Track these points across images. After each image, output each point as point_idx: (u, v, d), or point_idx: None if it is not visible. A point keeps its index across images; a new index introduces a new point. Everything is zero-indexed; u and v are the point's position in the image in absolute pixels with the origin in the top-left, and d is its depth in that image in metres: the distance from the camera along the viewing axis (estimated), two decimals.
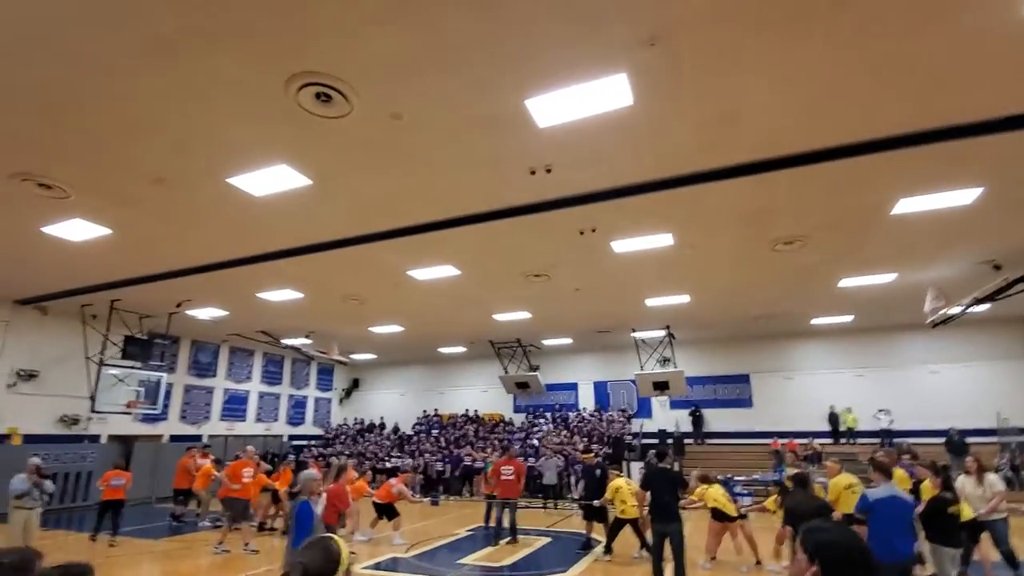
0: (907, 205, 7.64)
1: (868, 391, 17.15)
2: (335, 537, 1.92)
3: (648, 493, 6.59)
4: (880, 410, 16.60)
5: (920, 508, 5.45)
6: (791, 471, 10.48)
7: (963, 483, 6.66)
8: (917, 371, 16.83)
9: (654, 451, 7.54)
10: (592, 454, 10.89)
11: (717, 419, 18.81)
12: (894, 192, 7.33)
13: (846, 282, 11.69)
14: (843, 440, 16.85)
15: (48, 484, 8.05)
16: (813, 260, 10.14)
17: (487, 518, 10.50)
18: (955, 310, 11.30)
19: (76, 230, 8.38)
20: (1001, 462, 13.89)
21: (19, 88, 5.03)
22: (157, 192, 7.18)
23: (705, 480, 8.22)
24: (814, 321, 16.06)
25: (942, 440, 14.94)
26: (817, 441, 16.42)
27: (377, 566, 7.92)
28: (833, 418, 17.18)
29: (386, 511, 9.70)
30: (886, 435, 16.29)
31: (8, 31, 4.33)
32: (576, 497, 13.09)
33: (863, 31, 4.38)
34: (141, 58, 4.63)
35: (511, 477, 9.37)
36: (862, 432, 16.79)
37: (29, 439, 13.38)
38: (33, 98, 5.17)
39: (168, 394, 16.09)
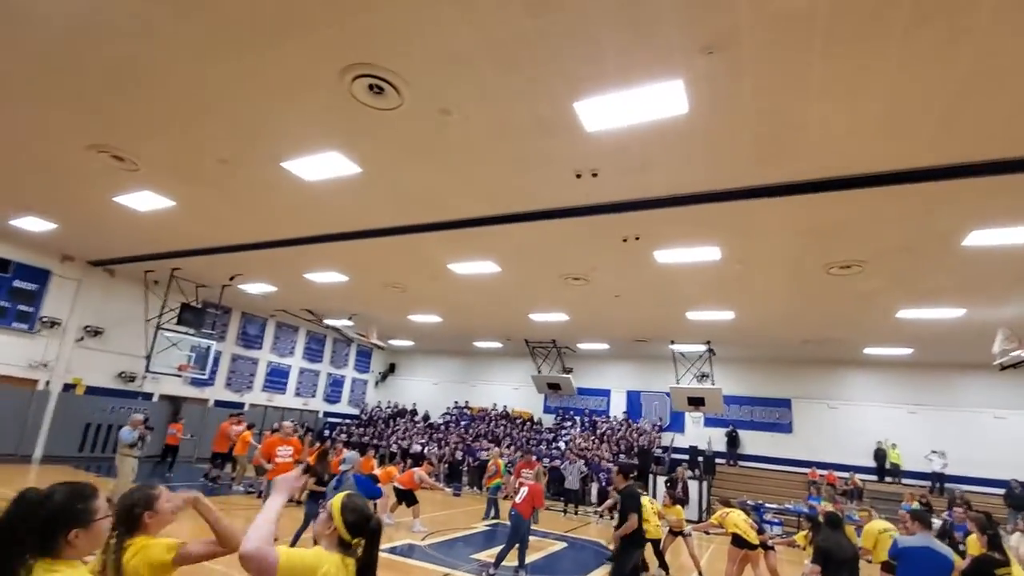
0: (980, 237, 7.08)
1: (921, 430, 16.10)
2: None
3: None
4: (933, 451, 15.54)
5: (963, 565, 5.04)
6: (827, 506, 9.98)
7: (1018, 542, 6.13)
8: (979, 414, 15.65)
9: (436, 453, 7.30)
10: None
11: (753, 442, 18.13)
12: (966, 222, 6.81)
13: (906, 313, 10.98)
14: (888, 479, 15.90)
15: (148, 437, 9.51)
16: (871, 287, 9.58)
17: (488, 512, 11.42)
18: None
19: (144, 201, 8.90)
20: None
21: (101, 64, 5.35)
22: (219, 171, 7.52)
23: (726, 504, 7.93)
24: (867, 350, 15.20)
25: (1001, 491, 13.85)
26: (859, 476, 15.56)
27: (392, 550, 8.07)
28: (879, 454, 16.24)
29: (406, 497, 9.88)
30: (937, 479, 15.26)
31: (95, 9, 4.61)
32: (597, 507, 12.96)
33: (946, 48, 4.06)
34: (214, 44, 4.85)
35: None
36: (910, 472, 15.80)
37: (90, 390, 14.41)
38: (113, 74, 5.50)
39: (216, 361, 16.95)
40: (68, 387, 14.00)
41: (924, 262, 8.23)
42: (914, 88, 4.52)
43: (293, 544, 6.91)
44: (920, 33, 3.95)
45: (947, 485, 14.89)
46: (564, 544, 9.98)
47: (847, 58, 4.26)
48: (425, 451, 17.83)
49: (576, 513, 14.01)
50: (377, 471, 10.65)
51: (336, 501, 2.09)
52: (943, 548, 4.41)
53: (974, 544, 5.68)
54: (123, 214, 9.59)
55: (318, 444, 12.40)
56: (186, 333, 14.42)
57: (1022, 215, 6.48)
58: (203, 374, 15.36)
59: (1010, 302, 9.65)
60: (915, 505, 10.22)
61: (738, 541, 7.44)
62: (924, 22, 3.85)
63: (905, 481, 15.63)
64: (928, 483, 15.27)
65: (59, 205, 9.88)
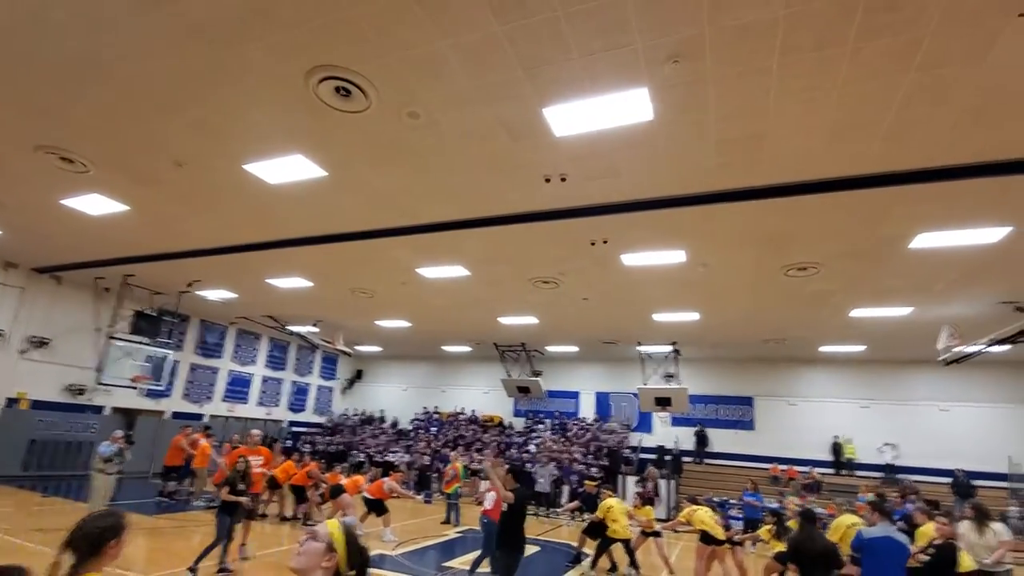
0: (926, 240, 7.48)
1: (874, 423, 16.84)
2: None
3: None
4: (885, 443, 16.29)
5: (920, 552, 5.28)
6: (793, 500, 10.33)
7: (966, 529, 6.46)
8: (927, 408, 16.48)
9: (407, 460, 7.33)
10: (595, 483, 11.09)
11: (718, 439, 18.58)
12: (914, 226, 7.18)
13: (858, 312, 11.48)
14: (844, 472, 16.56)
15: (128, 452, 9.08)
16: (826, 288, 9.99)
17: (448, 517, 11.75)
18: (971, 349, 11.05)
19: (94, 204, 8.50)
20: (1011, 509, 13.48)
21: (49, 60, 5.09)
22: (175, 173, 7.24)
23: (693, 501, 8.12)
24: (823, 348, 15.81)
25: (948, 480, 14.61)
26: (817, 470, 16.15)
27: None
28: (836, 448, 16.90)
29: (375, 507, 9.71)
30: (889, 470, 15.98)
31: (45, 4, 4.38)
32: (565, 507, 13.13)
33: (895, 61, 4.29)
34: (171, 40, 4.68)
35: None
36: (864, 465, 16.50)
37: (36, 405, 13.60)
38: (62, 71, 5.24)
39: (173, 371, 16.26)
40: (11, 402, 13.17)
41: (875, 263, 8.63)
42: (864, 98, 4.74)
43: (197, 562, 6.33)
44: (868, 47, 4.15)
45: (898, 476, 15.60)
46: (536, 548, 9.98)
47: (802, 70, 4.44)
48: (396, 460, 17.57)
49: (548, 516, 14.05)
50: (344, 480, 10.43)
51: (337, 532, 1.93)
52: (901, 536, 4.62)
53: (925, 534, 5.95)
54: (72, 218, 9.12)
55: (283, 458, 12.01)
56: (140, 342, 13.76)
57: (963, 219, 6.88)
58: (159, 385, 14.68)
59: (952, 301, 10.21)
60: (870, 496, 10.65)
61: (706, 538, 7.62)
62: (873, 37, 4.05)
63: (859, 473, 16.30)
64: (881, 474, 15.97)
65: (1, 209, 9.31)
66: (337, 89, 5.10)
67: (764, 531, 7.64)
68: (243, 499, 6.75)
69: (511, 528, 5.23)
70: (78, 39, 4.74)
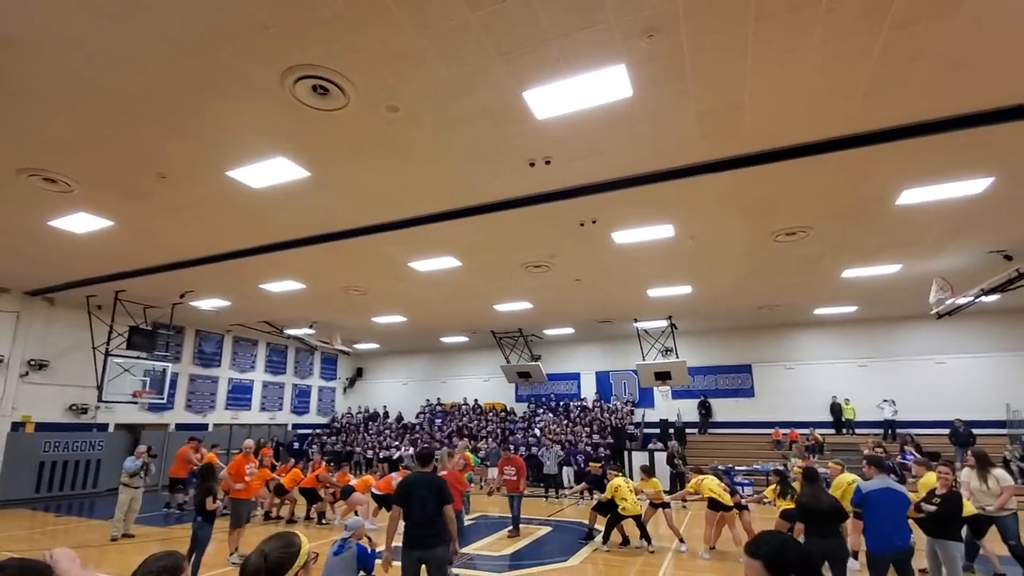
0: (912, 196, 7.54)
1: (872, 381, 17.10)
2: (297, 532, 2.06)
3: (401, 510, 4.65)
4: (884, 400, 16.55)
5: (923, 502, 5.40)
6: (797, 462, 10.52)
7: (967, 476, 6.59)
8: (922, 362, 16.74)
9: (411, 453, 7.31)
10: (599, 464, 11.24)
11: (719, 409, 18.85)
12: (898, 182, 7.24)
13: (850, 273, 11.60)
14: (844, 431, 16.85)
15: (152, 466, 9.53)
16: (816, 251, 10.07)
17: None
18: (962, 301, 11.21)
19: (81, 223, 8.43)
20: (1012, 455, 13.76)
21: (22, 82, 5.03)
22: (159, 185, 7.19)
23: (699, 471, 8.28)
24: (817, 311, 15.98)
25: (946, 431, 14.89)
26: (818, 431, 16.43)
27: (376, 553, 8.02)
28: (835, 408, 17.17)
29: (385, 501, 9.81)
30: (889, 426, 16.27)
31: (14, 25, 4.32)
32: (572, 490, 13.31)
33: (866, 20, 4.30)
34: (142, 51, 4.62)
35: (513, 477, 9.49)
36: (864, 423, 16.78)
37: (41, 427, 13.60)
38: (36, 93, 5.18)
39: (173, 384, 16.26)
40: (16, 426, 13.16)
41: (863, 223, 8.70)
42: (839, 58, 4.76)
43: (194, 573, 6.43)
44: (841, 7, 4.16)
45: (898, 431, 15.90)
46: (549, 528, 10.15)
47: (777, 33, 4.44)
48: (401, 454, 17.71)
49: (557, 497, 14.26)
50: (353, 481, 10.53)
51: None
52: (899, 487, 4.74)
53: (928, 484, 6.07)
54: (59, 238, 9.05)
55: (291, 461, 12.10)
56: (138, 357, 13.78)
57: (947, 172, 6.93)
58: (161, 398, 14.72)
59: (941, 254, 10.31)
60: (877, 451, 10.86)
61: (714, 504, 7.78)
62: None
63: (860, 431, 16.58)
64: (881, 430, 16.27)
65: None
66: (314, 88, 5.07)
67: (769, 491, 7.81)
68: (217, 504, 6.91)
69: (413, 525, 4.56)
70: (49, 59, 4.68)
